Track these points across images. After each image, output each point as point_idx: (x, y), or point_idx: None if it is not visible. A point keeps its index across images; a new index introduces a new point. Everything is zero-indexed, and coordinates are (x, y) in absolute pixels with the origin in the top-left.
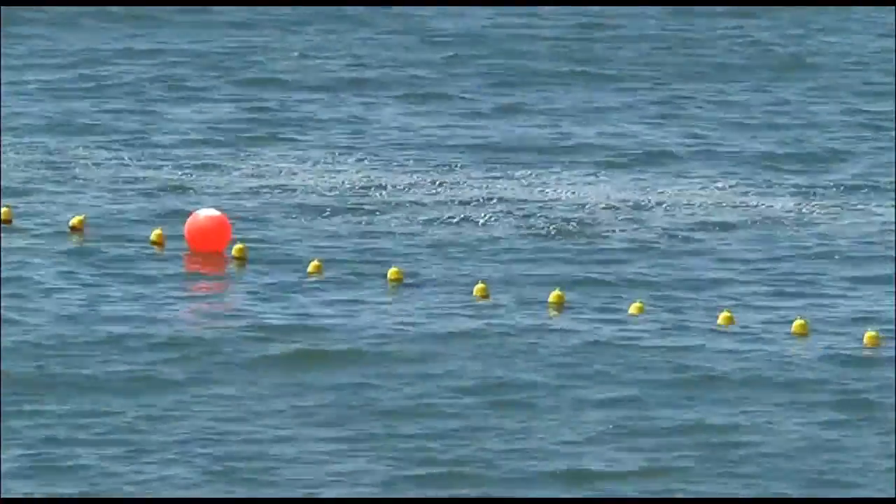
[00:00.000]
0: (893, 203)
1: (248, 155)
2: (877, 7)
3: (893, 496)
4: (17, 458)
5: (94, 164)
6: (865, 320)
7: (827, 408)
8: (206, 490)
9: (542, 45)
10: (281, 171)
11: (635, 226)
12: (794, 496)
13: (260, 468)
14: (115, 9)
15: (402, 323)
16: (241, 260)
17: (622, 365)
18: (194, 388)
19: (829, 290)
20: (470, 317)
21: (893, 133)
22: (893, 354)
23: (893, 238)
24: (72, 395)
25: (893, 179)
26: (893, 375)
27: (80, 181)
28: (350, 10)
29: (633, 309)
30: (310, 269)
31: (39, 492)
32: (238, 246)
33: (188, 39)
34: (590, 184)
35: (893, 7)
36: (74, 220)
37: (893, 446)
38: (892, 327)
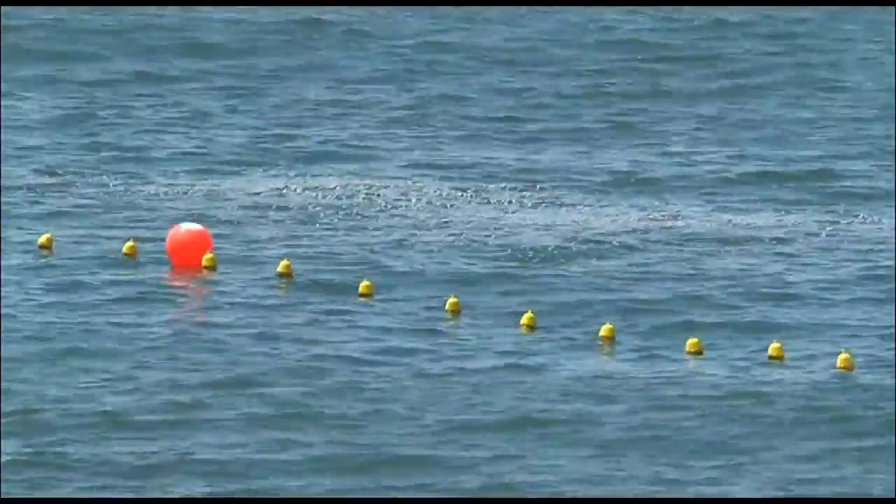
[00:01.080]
0: (893, 222)
1: (233, 171)
2: (852, 9)
3: (893, 496)
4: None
5: (73, 182)
6: (848, 341)
7: (823, 426)
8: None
9: (525, 64)
10: (263, 187)
11: (612, 249)
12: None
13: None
14: (107, 22)
15: (373, 343)
16: (212, 269)
17: (598, 388)
18: (183, 407)
19: (807, 310)
20: (440, 340)
21: (893, 152)
22: (868, 374)
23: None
24: (61, 431)
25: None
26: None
27: (57, 199)
28: (334, 22)
29: (603, 330)
30: (280, 268)
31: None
32: (208, 255)
33: (173, 55)
34: (564, 207)
35: (893, 6)
36: (43, 239)
37: (893, 454)
38: (871, 347)
